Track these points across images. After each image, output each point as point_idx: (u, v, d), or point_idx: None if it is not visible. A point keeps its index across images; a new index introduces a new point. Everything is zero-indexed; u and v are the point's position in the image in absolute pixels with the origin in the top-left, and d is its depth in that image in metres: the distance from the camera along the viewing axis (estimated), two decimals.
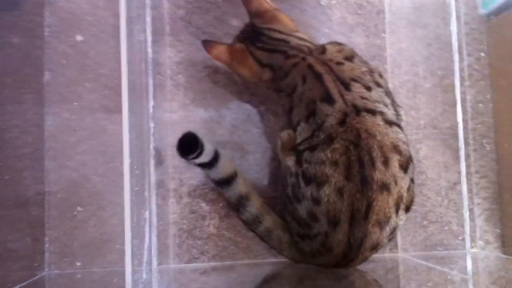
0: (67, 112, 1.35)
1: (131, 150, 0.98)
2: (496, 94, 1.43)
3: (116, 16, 1.37)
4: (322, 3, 1.43)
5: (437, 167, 1.41)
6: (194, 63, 1.39)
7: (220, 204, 1.34)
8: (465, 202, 1.40)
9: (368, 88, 1.06)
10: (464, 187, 1.41)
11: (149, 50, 1.38)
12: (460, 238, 1.38)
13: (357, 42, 1.42)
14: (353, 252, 1.03)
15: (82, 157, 1.34)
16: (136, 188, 1.08)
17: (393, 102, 1.12)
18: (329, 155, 1.00)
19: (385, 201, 0.99)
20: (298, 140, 1.11)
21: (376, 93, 1.07)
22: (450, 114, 1.43)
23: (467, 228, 1.39)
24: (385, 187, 0.98)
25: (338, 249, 1.03)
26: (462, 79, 1.44)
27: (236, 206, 1.25)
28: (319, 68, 1.08)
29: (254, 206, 1.25)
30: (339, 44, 1.19)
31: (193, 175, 1.34)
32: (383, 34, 1.43)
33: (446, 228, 1.38)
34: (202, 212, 1.34)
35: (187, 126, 1.36)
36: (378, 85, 1.10)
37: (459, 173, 1.41)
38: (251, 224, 1.25)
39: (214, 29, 1.40)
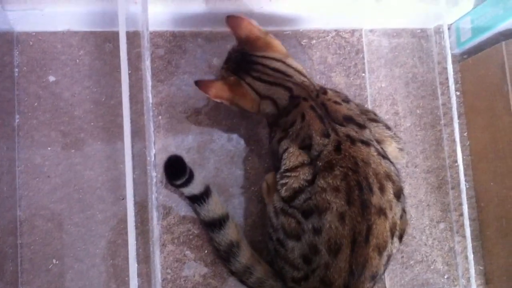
0: (40, 158, 1.26)
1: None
2: (473, 132, 1.45)
3: (90, 54, 1.33)
4: (302, 43, 1.42)
5: (420, 205, 1.41)
6: (175, 103, 1.34)
7: (206, 251, 1.28)
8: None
9: (362, 126, 1.08)
10: None
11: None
12: (445, 276, 1.38)
13: (338, 81, 1.42)
14: (355, 282, 1.01)
15: (57, 206, 1.26)
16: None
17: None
18: (330, 181, 1.01)
19: (383, 225, 1.00)
20: (282, 168, 1.09)
21: (368, 132, 1.09)
22: (430, 152, 1.44)
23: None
24: (382, 211, 1.00)
25: (339, 281, 1.01)
26: (437, 117, 1.46)
27: (226, 255, 1.20)
28: (319, 110, 1.08)
29: (245, 256, 1.20)
30: (337, 91, 1.19)
31: (176, 222, 1.28)
32: (362, 74, 1.43)
33: (432, 267, 1.38)
34: (187, 261, 1.28)
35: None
36: (375, 120, 1.15)
37: (441, 211, 1.42)
38: (242, 275, 1.21)
39: (195, 69, 1.36)
